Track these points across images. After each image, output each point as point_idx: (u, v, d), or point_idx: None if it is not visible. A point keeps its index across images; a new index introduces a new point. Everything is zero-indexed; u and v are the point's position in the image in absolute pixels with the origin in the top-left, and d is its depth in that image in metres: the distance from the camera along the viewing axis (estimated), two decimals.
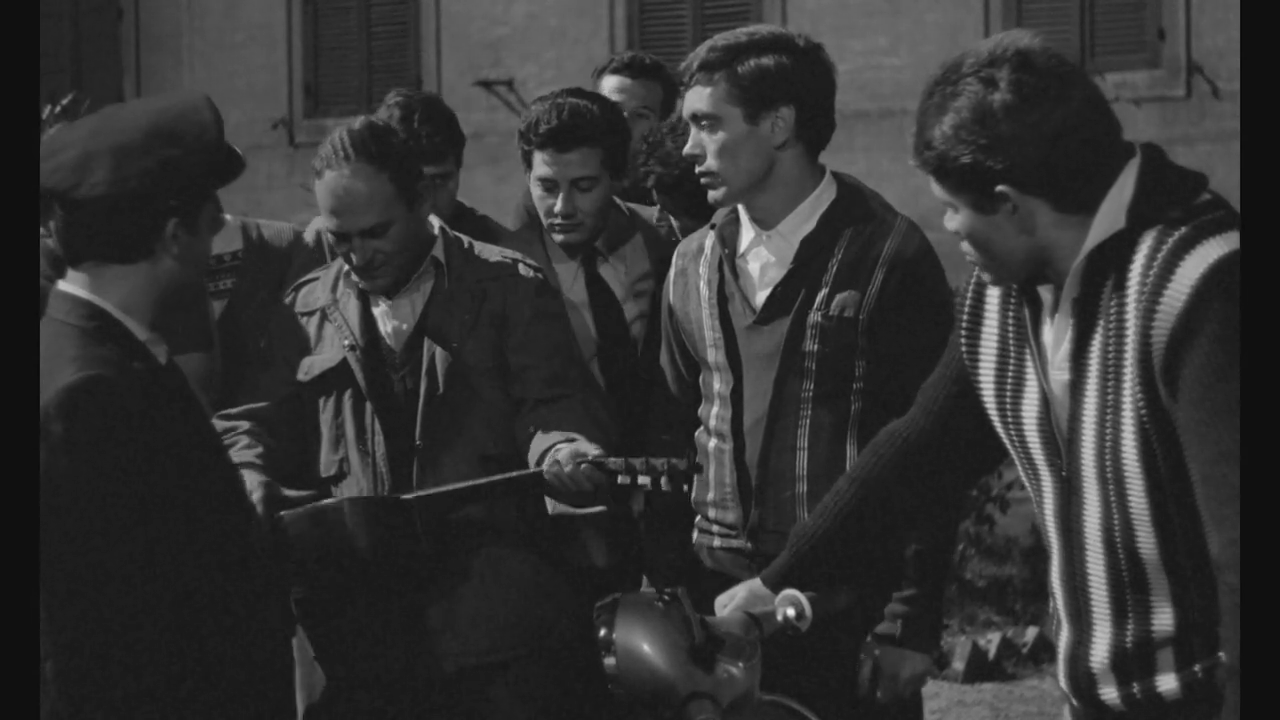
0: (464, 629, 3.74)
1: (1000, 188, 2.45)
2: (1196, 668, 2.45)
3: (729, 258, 3.61)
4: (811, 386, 3.50)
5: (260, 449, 3.73)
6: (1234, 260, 2.35)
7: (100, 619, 2.66)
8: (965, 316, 2.72)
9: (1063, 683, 2.64)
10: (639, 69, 5.04)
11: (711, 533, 3.67)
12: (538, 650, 3.76)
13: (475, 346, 3.77)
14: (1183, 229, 2.40)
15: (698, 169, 3.55)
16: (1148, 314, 2.37)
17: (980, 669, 7.33)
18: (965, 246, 2.57)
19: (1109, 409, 2.45)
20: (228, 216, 4.86)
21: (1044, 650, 7.42)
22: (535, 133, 4.13)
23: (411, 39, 13.84)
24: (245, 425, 3.79)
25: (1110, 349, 2.44)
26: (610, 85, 4.98)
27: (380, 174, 3.68)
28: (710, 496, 3.65)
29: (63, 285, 2.87)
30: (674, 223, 4.26)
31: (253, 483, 3.57)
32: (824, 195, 3.55)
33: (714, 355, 3.61)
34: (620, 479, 3.45)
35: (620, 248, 4.28)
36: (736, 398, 3.57)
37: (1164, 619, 2.47)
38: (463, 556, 3.73)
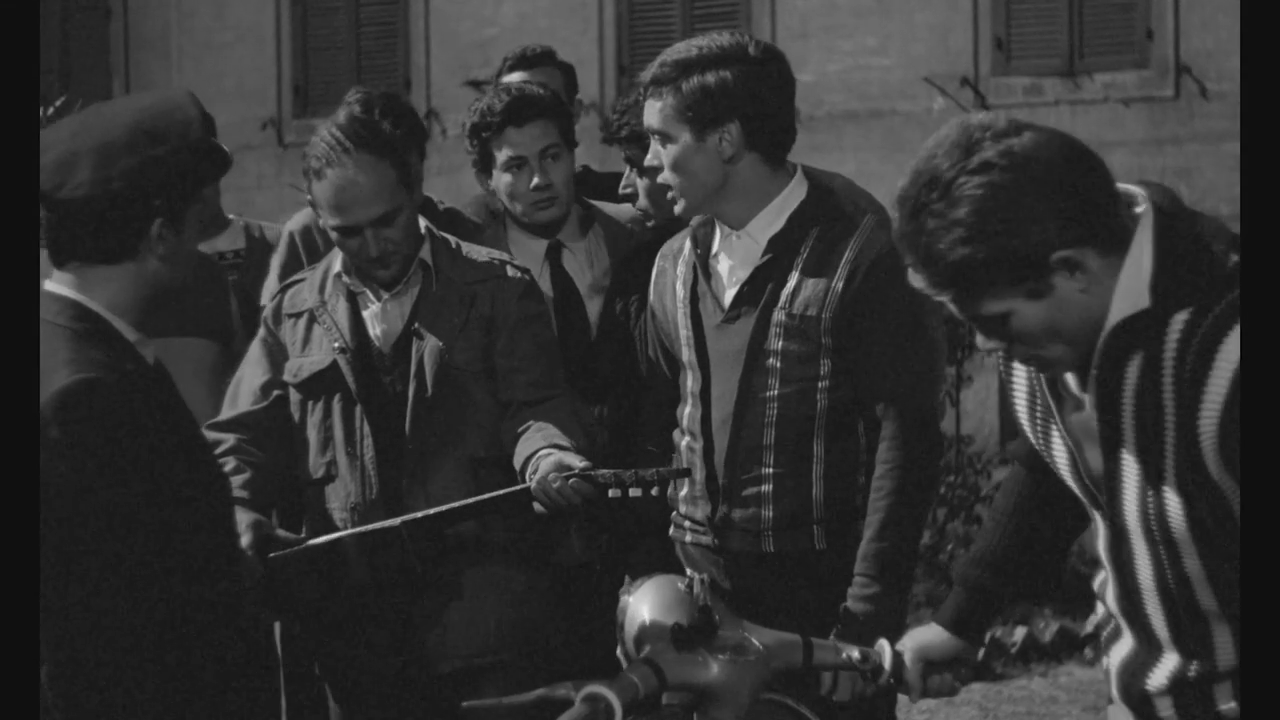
0: (453, 632, 3.74)
1: (1056, 255, 2.28)
2: None
3: (701, 258, 3.63)
4: (776, 384, 3.51)
5: (247, 474, 3.70)
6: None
7: (96, 622, 2.66)
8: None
9: (1116, 692, 2.61)
10: (532, 60, 5.18)
11: (684, 528, 3.69)
12: (526, 653, 3.77)
13: (464, 349, 3.77)
14: (1215, 311, 2.28)
15: (658, 180, 3.57)
16: (1188, 406, 2.29)
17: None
18: (1035, 348, 2.38)
19: (1150, 480, 2.39)
20: (231, 216, 5.00)
21: (1032, 650, 7.43)
22: (492, 114, 4.20)
23: (401, 39, 13.82)
24: (232, 440, 3.76)
25: (1148, 427, 2.36)
26: (512, 81, 5.01)
27: (381, 162, 3.69)
28: (683, 493, 3.67)
29: (50, 286, 2.85)
30: (645, 199, 4.20)
31: (242, 523, 3.55)
32: (793, 195, 3.55)
33: (686, 354, 3.63)
34: (611, 492, 3.45)
35: (579, 239, 4.34)
36: (706, 396, 3.59)
37: (1227, 656, 2.44)
38: (453, 570, 3.73)
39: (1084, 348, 2.39)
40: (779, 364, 3.50)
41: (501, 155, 4.23)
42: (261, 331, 3.93)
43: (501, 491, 3.58)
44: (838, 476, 3.52)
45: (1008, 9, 12.16)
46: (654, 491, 3.45)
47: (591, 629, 3.96)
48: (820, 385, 3.50)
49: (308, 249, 4.48)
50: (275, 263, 4.53)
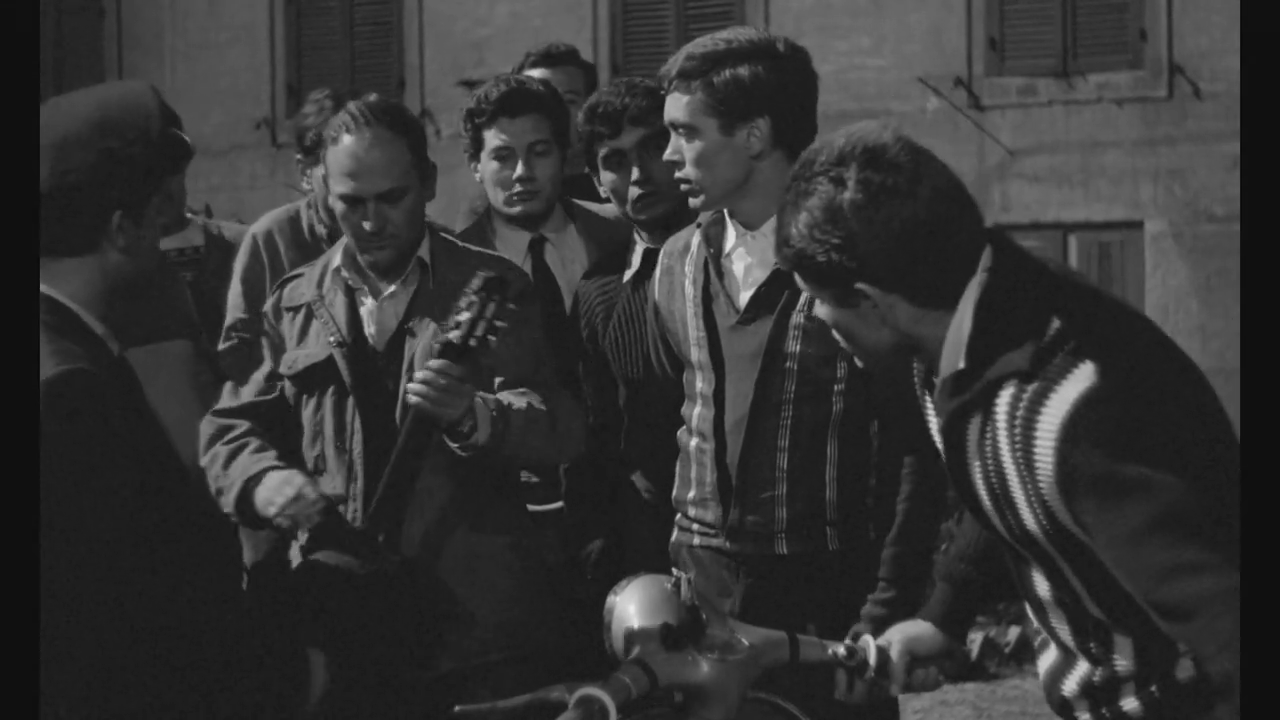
0: (445, 634, 3.73)
1: (858, 285, 2.46)
2: (1153, 688, 2.50)
3: (714, 258, 3.60)
4: (793, 387, 3.49)
5: (274, 451, 3.74)
6: (1090, 397, 2.33)
7: (93, 615, 2.65)
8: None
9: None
10: (556, 58, 5.16)
11: (691, 531, 3.67)
12: (520, 654, 3.77)
13: None
14: (1035, 383, 2.38)
15: (676, 174, 3.55)
16: (1026, 471, 2.39)
17: (962, 668, 7.35)
18: (834, 334, 2.60)
19: (1010, 522, 2.48)
20: (190, 215, 5.05)
21: (1026, 650, 7.44)
22: (487, 101, 4.24)
23: (394, 39, 13.83)
24: (245, 425, 3.81)
25: (994, 483, 2.47)
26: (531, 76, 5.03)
27: (399, 140, 3.73)
28: (690, 495, 3.65)
29: None
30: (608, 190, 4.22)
31: (301, 483, 3.62)
32: None
33: (697, 354, 3.60)
34: (457, 340, 3.45)
35: (562, 234, 4.37)
36: (719, 397, 3.56)
37: (1125, 662, 2.52)
38: (444, 553, 3.72)
39: (880, 362, 2.60)
40: (796, 367, 3.48)
41: (490, 143, 4.26)
42: (264, 325, 3.95)
43: (403, 431, 3.55)
44: (851, 478, 3.51)
45: (1001, 9, 12.18)
46: (493, 309, 3.43)
47: (584, 629, 3.96)
48: (836, 389, 3.49)
49: (269, 252, 4.51)
50: (237, 265, 4.58)
